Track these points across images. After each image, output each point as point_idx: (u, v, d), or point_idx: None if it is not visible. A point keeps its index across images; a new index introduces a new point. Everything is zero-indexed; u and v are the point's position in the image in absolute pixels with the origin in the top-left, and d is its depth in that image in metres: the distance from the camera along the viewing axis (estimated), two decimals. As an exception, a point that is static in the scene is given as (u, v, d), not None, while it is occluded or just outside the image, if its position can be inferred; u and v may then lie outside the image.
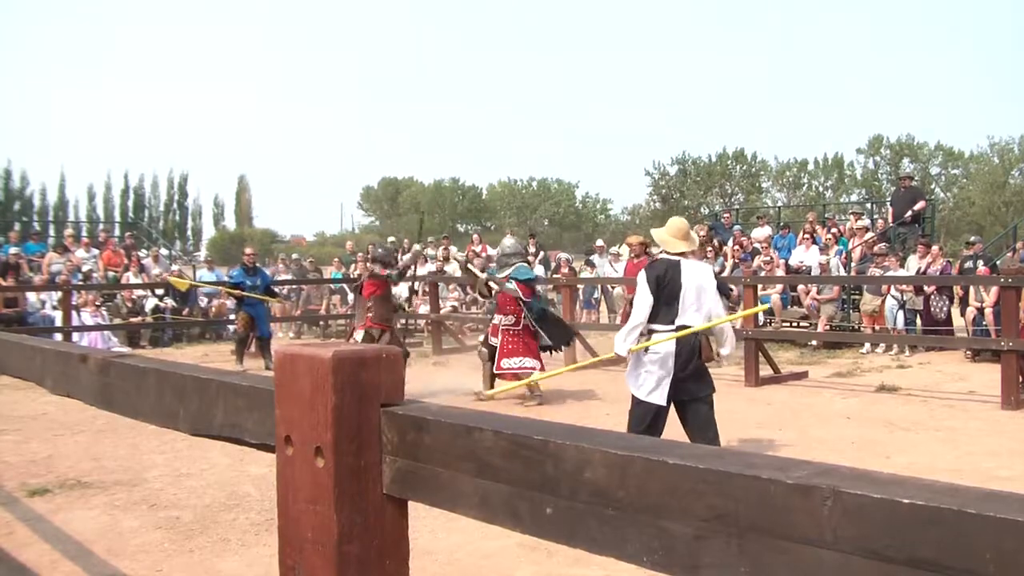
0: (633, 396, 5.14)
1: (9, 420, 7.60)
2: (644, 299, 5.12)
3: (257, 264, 12.14)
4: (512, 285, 8.04)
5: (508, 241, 8.95)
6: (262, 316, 11.41)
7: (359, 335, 8.71)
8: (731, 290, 7.20)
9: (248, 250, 12.60)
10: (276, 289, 12.63)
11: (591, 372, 10.32)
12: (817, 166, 54.72)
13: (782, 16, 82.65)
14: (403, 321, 14.00)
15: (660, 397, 5.03)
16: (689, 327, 5.02)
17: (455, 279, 15.63)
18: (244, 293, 11.23)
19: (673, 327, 5.05)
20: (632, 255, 11.80)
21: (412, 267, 9.56)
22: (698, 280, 5.15)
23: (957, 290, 11.43)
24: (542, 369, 8.11)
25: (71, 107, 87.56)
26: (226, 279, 12.26)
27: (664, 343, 5.01)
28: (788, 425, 6.99)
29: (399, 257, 10.21)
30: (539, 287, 8.56)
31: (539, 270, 16.19)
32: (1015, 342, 7.53)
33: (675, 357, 5.00)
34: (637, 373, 5.13)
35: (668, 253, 5.26)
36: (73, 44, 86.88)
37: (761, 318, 11.20)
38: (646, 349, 5.05)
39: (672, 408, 5.11)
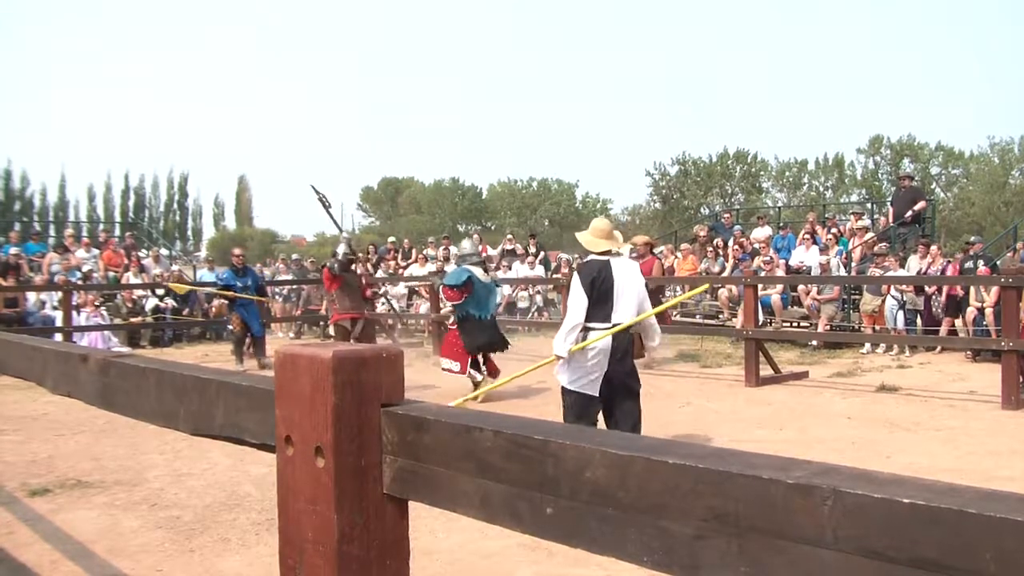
0: (565, 388, 5.37)
1: (10, 420, 7.60)
2: (579, 300, 5.31)
3: (247, 264, 12.30)
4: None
5: (465, 243, 9.10)
6: (254, 315, 11.47)
7: (331, 330, 8.96)
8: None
9: (236, 251, 12.75)
10: (267, 288, 12.73)
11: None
12: (817, 166, 54.70)
13: (782, 16, 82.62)
14: (404, 321, 13.99)
15: (594, 389, 5.27)
16: (620, 324, 5.28)
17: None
18: (235, 295, 11.29)
19: (608, 324, 5.28)
20: (637, 255, 11.88)
21: (350, 254, 9.41)
22: (628, 278, 5.39)
23: (944, 292, 11.38)
24: (461, 371, 8.35)
25: (71, 107, 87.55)
26: (216, 281, 12.30)
27: (601, 340, 5.23)
28: (788, 425, 6.99)
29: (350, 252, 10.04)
30: (492, 290, 8.61)
31: (539, 270, 16.23)
32: (1015, 342, 7.53)
33: (611, 353, 5.23)
34: (572, 368, 5.31)
35: (595, 254, 5.45)
36: (73, 44, 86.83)
37: (761, 317, 11.20)
38: (585, 348, 5.26)
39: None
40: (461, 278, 8.09)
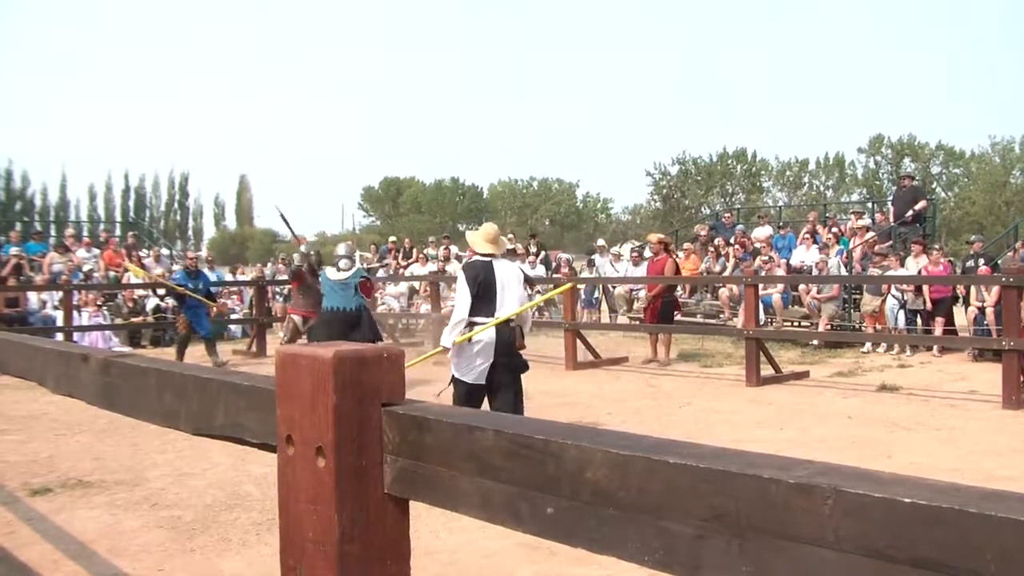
0: (455, 378, 5.86)
1: (11, 420, 7.61)
2: (464, 296, 5.90)
3: (200, 268, 12.71)
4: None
5: (340, 247, 9.82)
6: (201, 317, 11.66)
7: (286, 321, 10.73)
8: (534, 282, 8.26)
9: (190, 254, 13.43)
10: (214, 291, 13.00)
11: (592, 372, 10.32)
12: (818, 166, 54.73)
13: (783, 16, 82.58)
14: (403, 321, 14.00)
15: (481, 378, 5.79)
16: (502, 316, 5.81)
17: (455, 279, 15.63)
18: (186, 292, 11.44)
19: (492, 319, 5.80)
20: (652, 254, 12.16)
21: (301, 264, 10.72)
22: (508, 277, 5.98)
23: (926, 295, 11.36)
24: None
25: (72, 107, 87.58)
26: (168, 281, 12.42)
27: (485, 332, 5.76)
28: (789, 424, 6.99)
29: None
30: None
31: (540, 270, 16.22)
32: (1016, 342, 7.52)
33: (496, 345, 5.75)
34: (462, 359, 5.81)
35: (479, 254, 6.04)
36: (74, 44, 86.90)
37: (762, 317, 11.20)
38: (470, 339, 5.75)
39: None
40: (294, 273, 9.24)
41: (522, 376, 5.94)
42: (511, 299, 5.89)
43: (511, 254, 16.83)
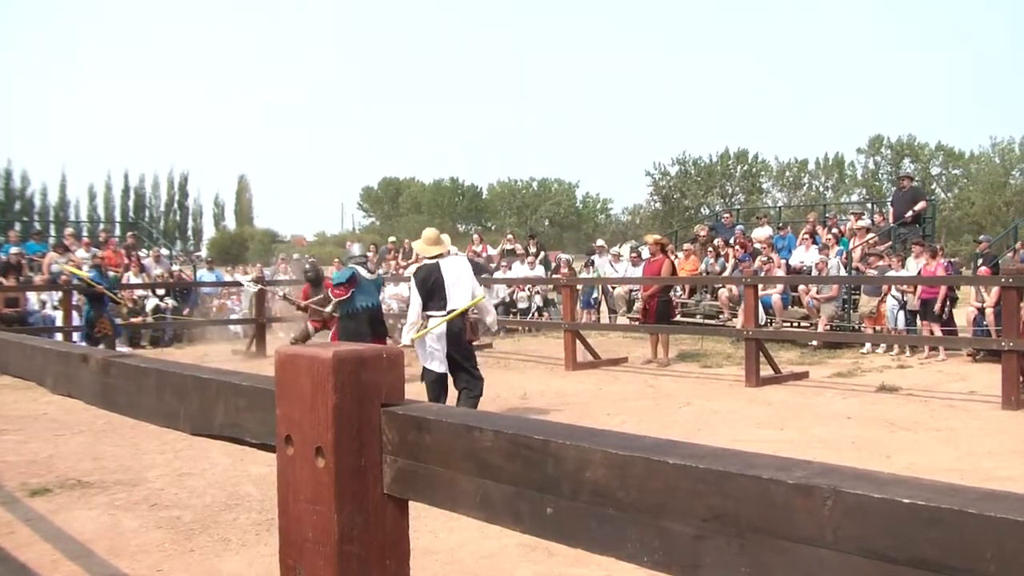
0: (424, 367, 6.62)
1: (10, 420, 7.60)
2: (415, 299, 6.66)
3: (109, 270, 13.17)
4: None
5: (354, 247, 10.28)
6: (112, 316, 12.06)
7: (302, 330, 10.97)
8: (490, 267, 8.72)
9: (100, 253, 13.94)
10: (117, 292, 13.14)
11: (592, 372, 10.32)
12: (817, 166, 54.72)
13: (782, 16, 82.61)
14: (402, 321, 13.99)
15: (441, 367, 6.55)
16: (456, 309, 6.55)
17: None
18: (104, 291, 11.66)
19: (445, 312, 6.52)
20: (649, 254, 12.30)
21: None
22: (456, 272, 6.67)
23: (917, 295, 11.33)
24: None
25: (72, 107, 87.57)
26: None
27: (438, 327, 6.49)
28: (788, 425, 6.99)
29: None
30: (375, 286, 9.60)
31: (539, 270, 16.23)
32: (1016, 342, 7.52)
33: (447, 336, 6.51)
34: (424, 351, 6.60)
35: (427, 258, 6.72)
36: (74, 44, 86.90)
37: (762, 317, 11.20)
38: (426, 335, 6.52)
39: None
40: (346, 275, 9.09)
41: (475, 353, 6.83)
42: (463, 291, 6.60)
43: (511, 255, 16.94)
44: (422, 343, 6.54)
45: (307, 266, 11.89)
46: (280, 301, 12.51)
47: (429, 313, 6.56)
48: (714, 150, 56.91)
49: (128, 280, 15.26)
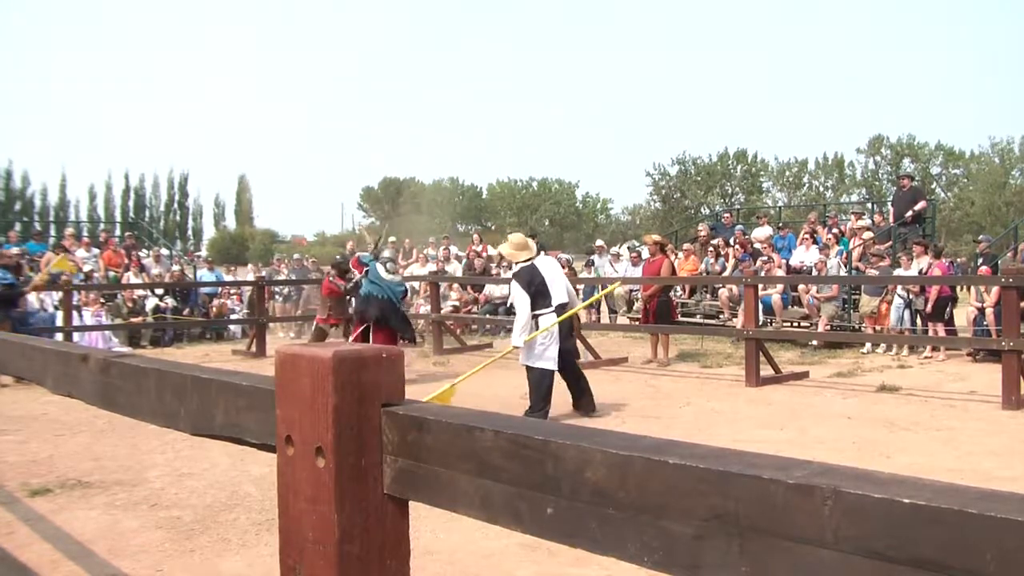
0: (531, 367, 6.92)
1: (10, 420, 7.60)
2: (523, 299, 6.96)
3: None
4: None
5: (386, 252, 10.47)
6: (12, 317, 11.81)
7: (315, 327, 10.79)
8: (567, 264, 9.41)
9: (4, 251, 13.75)
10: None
11: (592, 372, 10.30)
12: (817, 166, 54.68)
13: (782, 16, 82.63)
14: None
15: (553, 364, 6.90)
16: (564, 304, 7.03)
17: (455, 279, 15.64)
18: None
19: (551, 308, 6.96)
20: (649, 254, 12.33)
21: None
22: (551, 271, 7.15)
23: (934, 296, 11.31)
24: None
25: (71, 107, 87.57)
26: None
27: (554, 325, 6.86)
28: (789, 425, 6.99)
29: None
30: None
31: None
32: (1016, 342, 7.52)
33: (559, 332, 6.89)
34: (535, 350, 6.90)
35: (521, 262, 7.13)
36: (74, 44, 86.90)
37: (762, 317, 11.20)
38: (536, 336, 6.89)
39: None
40: (366, 259, 9.67)
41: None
42: (560, 288, 7.03)
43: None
44: (531, 343, 6.86)
45: (339, 257, 12.05)
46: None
47: (536, 313, 6.90)
48: (714, 150, 56.94)
49: (128, 280, 15.26)
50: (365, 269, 9.65)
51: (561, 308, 7.02)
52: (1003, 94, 76.84)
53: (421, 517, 3.37)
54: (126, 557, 4.05)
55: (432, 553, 3.91)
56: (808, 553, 0.78)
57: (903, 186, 14.93)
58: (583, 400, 7.37)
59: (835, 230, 14.22)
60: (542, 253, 7.67)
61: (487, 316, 15.12)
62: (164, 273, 16.44)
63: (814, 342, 11.73)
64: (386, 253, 10.40)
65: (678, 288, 13.81)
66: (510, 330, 15.40)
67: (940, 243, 13.11)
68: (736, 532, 0.83)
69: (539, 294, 6.88)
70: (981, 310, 10.85)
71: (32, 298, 13.93)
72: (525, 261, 7.08)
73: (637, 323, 13.01)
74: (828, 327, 12.17)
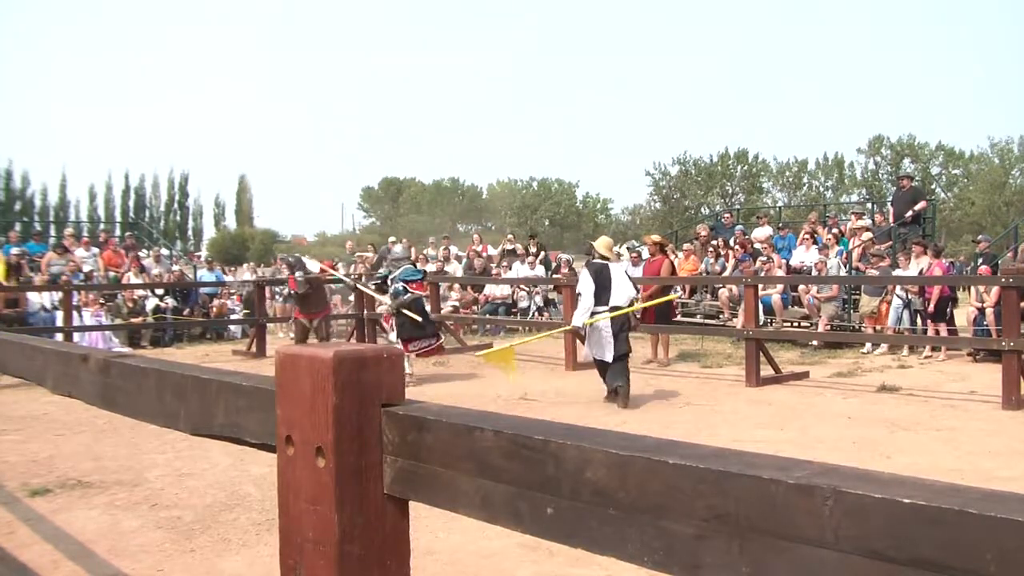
0: (595, 358, 7.94)
1: (10, 420, 7.60)
2: (589, 287, 7.80)
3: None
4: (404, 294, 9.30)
5: (397, 248, 10.72)
6: None
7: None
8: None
9: None
10: None
11: (592, 372, 10.30)
12: (817, 166, 54.69)
13: (782, 16, 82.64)
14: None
15: (608, 355, 7.76)
16: (619, 306, 7.76)
17: (455, 279, 15.64)
18: None
19: (607, 307, 7.71)
20: (649, 254, 12.50)
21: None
22: (619, 275, 7.97)
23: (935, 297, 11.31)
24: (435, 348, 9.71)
25: (71, 107, 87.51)
26: None
27: (604, 320, 7.68)
28: (789, 425, 6.99)
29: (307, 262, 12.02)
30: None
31: (540, 270, 16.23)
32: (1016, 342, 7.52)
33: (611, 328, 7.68)
34: (594, 341, 7.82)
35: (601, 257, 8.02)
36: (74, 44, 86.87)
37: (762, 317, 11.20)
38: (593, 325, 7.68)
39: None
40: (418, 273, 9.69)
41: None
42: (621, 293, 7.80)
43: (512, 255, 16.99)
44: (597, 334, 7.68)
45: (291, 258, 12.13)
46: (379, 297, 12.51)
47: (594, 310, 7.68)
48: (714, 150, 56.93)
49: (128, 280, 15.27)
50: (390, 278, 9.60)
51: (615, 310, 7.73)
52: (1003, 94, 76.91)
53: (421, 517, 3.36)
54: (126, 557, 4.05)
55: (432, 553, 3.91)
56: (808, 553, 0.78)
57: (903, 186, 14.93)
58: (620, 392, 7.91)
59: (835, 230, 14.22)
60: (621, 259, 8.53)
61: (487, 316, 15.13)
62: (164, 273, 16.44)
63: (814, 342, 11.73)
64: (398, 250, 10.45)
65: (678, 288, 13.81)
66: (510, 330, 15.43)
67: (940, 243, 13.10)
68: (736, 532, 0.83)
69: (602, 288, 7.64)
70: (981, 310, 10.85)
71: (32, 298, 13.94)
72: (603, 258, 7.95)
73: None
74: (828, 327, 12.16)
